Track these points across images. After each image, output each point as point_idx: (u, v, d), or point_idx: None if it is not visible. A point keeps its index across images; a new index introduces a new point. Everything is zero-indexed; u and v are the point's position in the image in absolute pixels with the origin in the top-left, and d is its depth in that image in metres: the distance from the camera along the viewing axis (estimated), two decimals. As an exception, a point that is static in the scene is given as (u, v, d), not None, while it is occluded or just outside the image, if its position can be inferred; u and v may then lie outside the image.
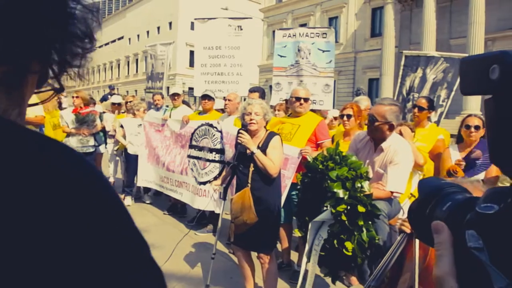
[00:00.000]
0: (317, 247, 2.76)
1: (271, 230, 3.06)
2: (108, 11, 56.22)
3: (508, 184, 0.48)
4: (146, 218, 5.58)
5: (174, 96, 6.18)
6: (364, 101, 5.03)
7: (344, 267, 2.79)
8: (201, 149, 5.07)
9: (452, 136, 4.33)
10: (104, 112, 7.15)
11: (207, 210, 4.90)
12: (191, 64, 33.81)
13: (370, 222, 2.58)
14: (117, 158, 7.04)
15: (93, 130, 6.04)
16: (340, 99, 23.54)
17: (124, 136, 6.30)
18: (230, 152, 4.41)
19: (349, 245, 2.56)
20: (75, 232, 0.36)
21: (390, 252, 2.10)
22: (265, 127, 3.14)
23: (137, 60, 47.57)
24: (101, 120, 6.39)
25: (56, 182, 0.37)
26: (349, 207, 2.57)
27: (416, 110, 4.18)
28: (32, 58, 0.43)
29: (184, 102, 7.17)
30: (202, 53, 7.10)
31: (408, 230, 2.11)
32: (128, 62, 50.07)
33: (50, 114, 6.05)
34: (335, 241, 2.63)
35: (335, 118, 5.36)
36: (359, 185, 2.61)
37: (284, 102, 5.51)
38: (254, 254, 3.20)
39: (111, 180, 7.00)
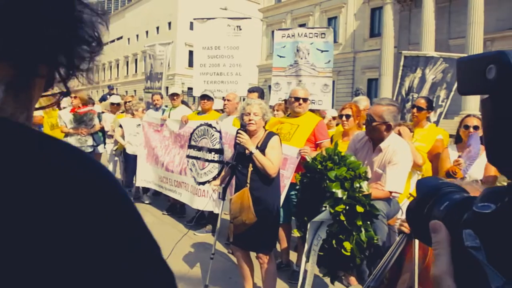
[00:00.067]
0: (316, 247, 2.76)
1: (270, 230, 3.06)
2: (107, 11, 56.13)
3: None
4: (145, 218, 5.32)
5: (173, 96, 6.18)
6: (363, 101, 5.04)
7: (342, 267, 2.80)
8: (200, 149, 5.07)
9: (451, 136, 4.34)
10: (103, 112, 7.15)
11: (206, 210, 4.90)
12: (190, 64, 33.81)
13: (368, 222, 2.59)
14: (116, 158, 7.04)
15: (92, 129, 6.03)
16: (339, 99, 23.57)
17: (123, 136, 6.29)
18: (229, 152, 4.41)
19: (347, 245, 2.56)
20: (79, 229, 0.36)
21: (389, 253, 2.10)
22: (264, 127, 3.15)
23: (136, 60, 47.56)
24: (100, 120, 6.39)
25: (57, 180, 0.37)
26: (347, 207, 2.57)
27: (415, 110, 4.19)
28: (39, 61, 0.43)
29: (183, 102, 7.18)
30: (201, 53, 7.10)
31: (407, 231, 2.11)
32: (127, 62, 50.07)
33: (48, 114, 6.04)
34: (333, 241, 2.64)
35: (334, 118, 5.37)
36: (357, 185, 2.61)
37: (283, 102, 5.52)
38: (253, 254, 3.20)
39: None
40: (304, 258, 2.86)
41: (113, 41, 52.75)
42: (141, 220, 0.43)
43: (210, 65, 7.01)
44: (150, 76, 9.57)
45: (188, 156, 5.24)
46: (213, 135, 4.90)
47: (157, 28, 43.85)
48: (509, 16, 18.18)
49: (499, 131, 0.45)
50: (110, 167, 7.19)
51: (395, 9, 22.26)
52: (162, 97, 6.70)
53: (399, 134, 3.52)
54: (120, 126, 6.33)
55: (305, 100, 3.92)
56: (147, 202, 6.51)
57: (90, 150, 5.95)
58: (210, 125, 4.96)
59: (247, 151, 3.00)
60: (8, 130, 0.38)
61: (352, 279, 3.67)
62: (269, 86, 7.61)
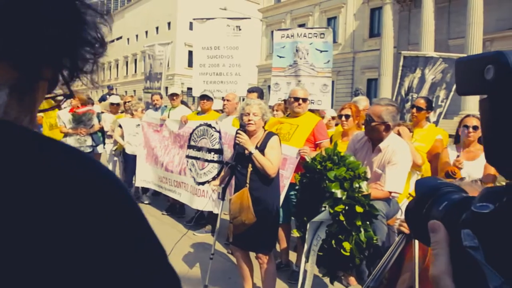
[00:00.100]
0: (315, 247, 2.76)
1: (269, 230, 3.06)
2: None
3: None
4: (145, 219, 5.56)
5: (173, 96, 6.18)
6: (362, 101, 5.04)
7: (342, 267, 2.79)
8: (199, 149, 5.07)
9: (450, 136, 4.34)
10: (102, 112, 7.14)
11: (206, 210, 4.90)
12: (190, 64, 33.79)
13: (368, 223, 2.59)
14: (115, 158, 7.03)
15: (91, 129, 6.02)
16: (338, 99, 23.58)
17: (122, 136, 6.29)
18: (228, 153, 4.41)
19: (347, 245, 2.56)
20: (80, 229, 0.36)
21: (389, 253, 2.10)
22: (263, 127, 3.15)
23: (135, 60, 47.53)
24: (99, 120, 6.38)
25: (57, 181, 0.37)
26: (347, 207, 2.57)
27: (414, 110, 4.19)
28: (40, 61, 0.43)
29: (182, 102, 7.17)
30: (201, 53, 7.10)
31: (406, 231, 2.11)
32: (127, 62, 50.03)
33: (46, 114, 6.03)
34: (333, 241, 2.64)
35: (333, 118, 5.37)
36: (357, 185, 2.61)
37: (282, 102, 5.52)
38: (252, 254, 3.20)
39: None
40: (303, 258, 2.86)
41: (112, 41, 52.61)
42: (144, 219, 0.43)
43: (210, 65, 7.01)
44: (149, 76, 9.57)
45: (188, 156, 5.24)
46: (212, 135, 4.90)
47: (157, 28, 43.83)
48: (508, 17, 18.19)
49: (497, 132, 0.45)
50: (110, 167, 7.19)
51: (395, 9, 22.26)
52: (161, 97, 6.70)
53: (399, 134, 3.52)
54: (120, 126, 6.33)
55: (304, 100, 3.93)
56: (146, 202, 6.51)
57: (89, 150, 5.95)
58: (209, 125, 4.96)
59: (246, 151, 3.00)
60: (8, 133, 0.38)
61: (352, 279, 3.68)
62: (269, 86, 7.61)
